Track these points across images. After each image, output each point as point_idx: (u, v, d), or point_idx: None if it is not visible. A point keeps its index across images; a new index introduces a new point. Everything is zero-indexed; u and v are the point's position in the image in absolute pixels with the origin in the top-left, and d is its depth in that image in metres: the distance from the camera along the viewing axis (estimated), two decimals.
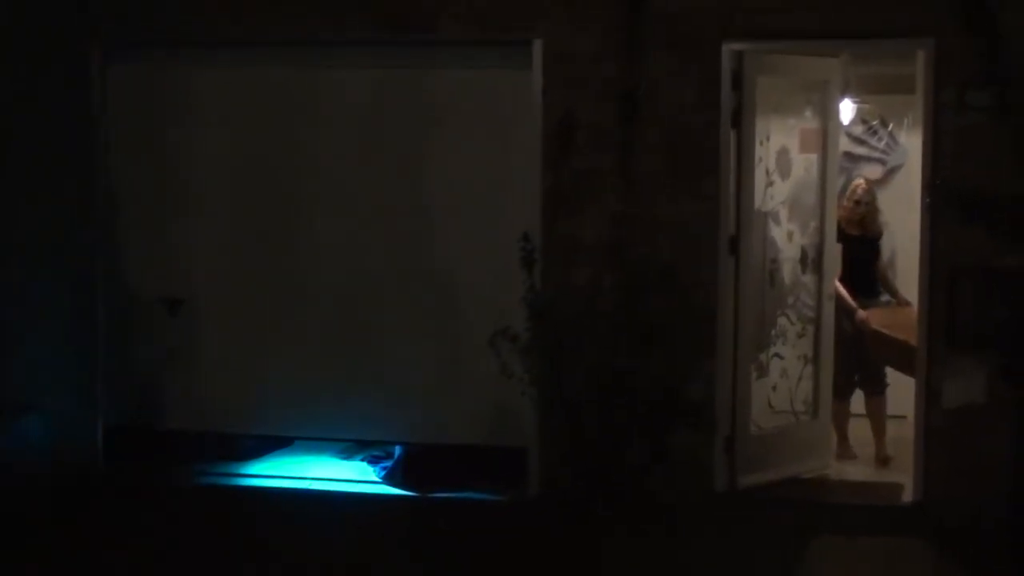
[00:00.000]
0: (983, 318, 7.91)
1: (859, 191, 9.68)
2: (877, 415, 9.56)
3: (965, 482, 7.92)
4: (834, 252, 9.22)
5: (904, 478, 8.56)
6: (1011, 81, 7.82)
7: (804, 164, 8.97)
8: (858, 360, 9.49)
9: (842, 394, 9.50)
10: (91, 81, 8.97)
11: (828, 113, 9.08)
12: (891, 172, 10.98)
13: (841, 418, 9.53)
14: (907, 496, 8.37)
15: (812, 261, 9.04)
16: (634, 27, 8.25)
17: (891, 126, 10.98)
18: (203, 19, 8.80)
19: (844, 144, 10.30)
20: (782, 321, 8.93)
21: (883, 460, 9.41)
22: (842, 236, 9.47)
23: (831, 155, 9.11)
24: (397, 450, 9.07)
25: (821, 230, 9.07)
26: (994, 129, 7.87)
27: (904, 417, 9.37)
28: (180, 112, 9.05)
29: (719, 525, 7.98)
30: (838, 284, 9.35)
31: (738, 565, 7.46)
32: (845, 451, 9.51)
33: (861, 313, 9.39)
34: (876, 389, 9.58)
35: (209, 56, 8.98)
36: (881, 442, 9.51)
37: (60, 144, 9.00)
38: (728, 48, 8.26)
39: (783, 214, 8.86)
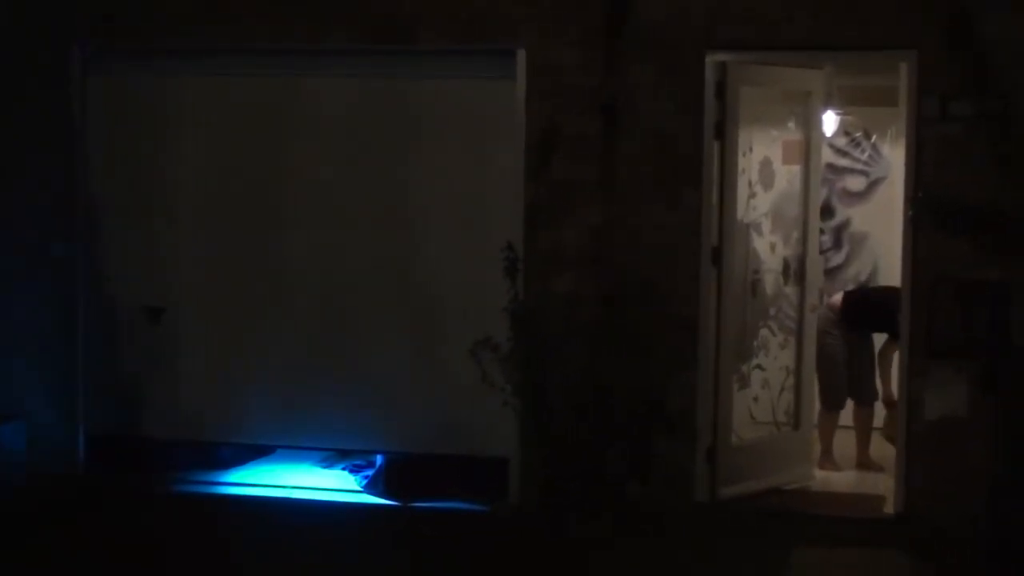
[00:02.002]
0: (965, 329, 7.91)
1: None
2: (864, 426, 9.58)
3: (947, 494, 7.92)
4: (816, 263, 9.22)
5: (886, 490, 8.57)
6: (993, 92, 7.84)
7: (787, 175, 8.98)
8: (851, 372, 9.50)
9: (833, 406, 9.51)
10: (72, 89, 8.95)
11: (811, 124, 9.08)
12: (874, 184, 10.98)
13: (828, 429, 9.53)
14: (889, 508, 8.37)
15: (795, 272, 9.03)
16: (617, 38, 8.25)
17: (874, 138, 10.98)
18: (186, 27, 8.78)
19: (827, 156, 10.30)
20: (764, 332, 8.93)
21: (867, 464, 9.44)
22: None
23: (814, 167, 9.11)
24: (379, 459, 9.05)
25: (804, 241, 9.07)
26: (976, 140, 7.87)
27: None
28: (162, 120, 9.02)
29: (700, 535, 7.96)
30: None
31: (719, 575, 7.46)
32: (828, 462, 9.50)
33: None
34: (866, 399, 9.58)
35: (190, 65, 8.95)
36: (865, 451, 9.53)
37: (40, 152, 8.97)
38: (711, 59, 8.27)
39: (766, 225, 8.86)
